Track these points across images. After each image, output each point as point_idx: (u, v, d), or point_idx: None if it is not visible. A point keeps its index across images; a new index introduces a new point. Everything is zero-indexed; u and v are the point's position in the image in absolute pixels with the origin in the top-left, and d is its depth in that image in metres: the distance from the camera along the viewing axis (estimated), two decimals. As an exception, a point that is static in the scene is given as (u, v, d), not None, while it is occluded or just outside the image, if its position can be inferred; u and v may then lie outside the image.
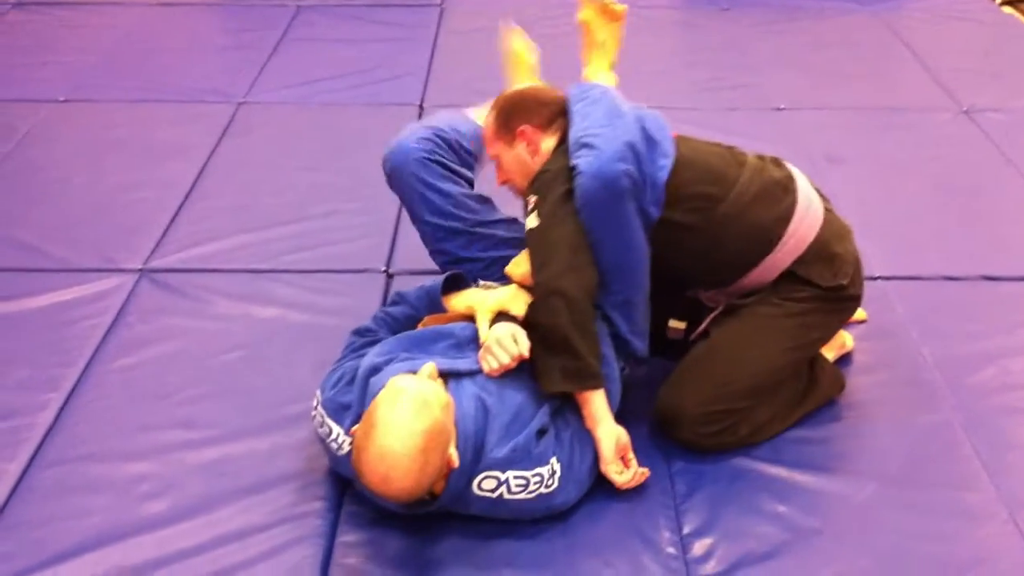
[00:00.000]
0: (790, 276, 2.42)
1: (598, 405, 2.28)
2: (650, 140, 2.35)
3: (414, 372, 2.14)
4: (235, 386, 2.62)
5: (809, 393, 2.52)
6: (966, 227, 3.35)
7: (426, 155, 2.56)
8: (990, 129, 3.98)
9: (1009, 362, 2.73)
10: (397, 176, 2.61)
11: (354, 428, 2.04)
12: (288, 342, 2.78)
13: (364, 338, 2.43)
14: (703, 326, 2.52)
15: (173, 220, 3.33)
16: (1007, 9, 5.29)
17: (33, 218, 3.34)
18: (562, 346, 2.22)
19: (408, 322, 2.46)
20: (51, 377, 2.63)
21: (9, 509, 2.26)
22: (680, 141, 2.44)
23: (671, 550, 2.18)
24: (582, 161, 2.27)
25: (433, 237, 2.61)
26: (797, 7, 5.20)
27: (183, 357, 2.73)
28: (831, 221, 2.48)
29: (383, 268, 3.08)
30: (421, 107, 4.14)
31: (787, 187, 2.44)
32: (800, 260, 2.41)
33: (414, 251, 3.15)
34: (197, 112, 4.08)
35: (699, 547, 2.19)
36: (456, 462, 2.04)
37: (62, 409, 2.54)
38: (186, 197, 3.47)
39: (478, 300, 2.37)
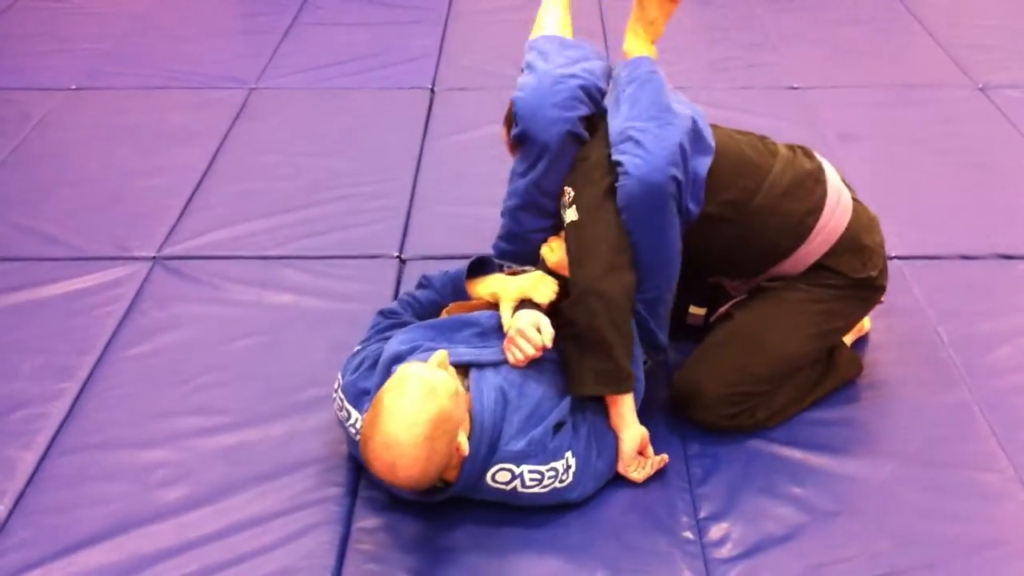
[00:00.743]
0: (819, 266, 2.41)
1: (626, 408, 2.27)
2: (696, 134, 2.31)
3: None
4: (250, 372, 2.62)
5: (826, 376, 2.51)
6: (982, 206, 3.33)
7: (572, 126, 2.36)
8: (1006, 106, 3.95)
9: (1025, 341, 2.72)
10: (533, 138, 2.38)
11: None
12: (302, 328, 2.78)
13: (389, 319, 2.43)
14: (724, 308, 2.51)
15: (186, 207, 3.33)
16: (1023, -16, 5.24)
17: (46, 206, 3.35)
18: (597, 347, 2.20)
19: (432, 307, 2.45)
20: (66, 366, 2.64)
21: (26, 497, 2.27)
22: (714, 129, 2.41)
23: (688, 534, 2.17)
24: (628, 161, 2.21)
25: (522, 202, 2.44)
26: (811, -17, 5.17)
27: (198, 344, 2.73)
28: (860, 212, 2.47)
29: (395, 254, 3.07)
30: (432, 91, 4.13)
31: (818, 178, 2.42)
32: (830, 252, 2.40)
33: (427, 236, 3.16)
34: (209, 98, 4.08)
35: (716, 531, 2.18)
36: (466, 450, 2.03)
37: (78, 397, 2.54)
38: (199, 183, 3.47)
39: (501, 287, 2.35)
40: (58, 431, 2.44)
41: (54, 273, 3.00)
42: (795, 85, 4.14)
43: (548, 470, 2.13)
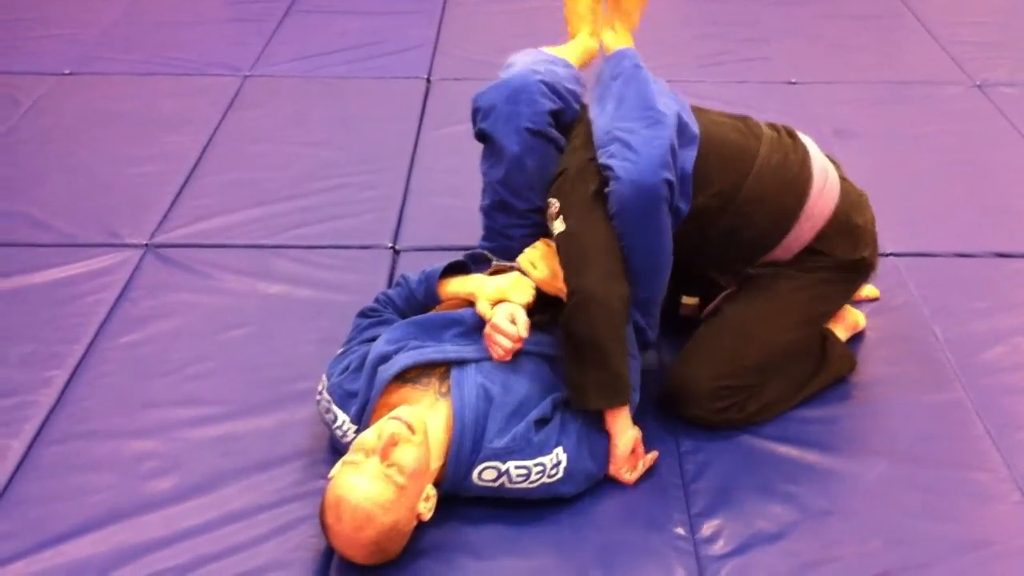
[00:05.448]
0: (810, 251, 2.39)
1: (623, 414, 2.24)
2: (682, 127, 2.26)
3: (423, 363, 2.16)
4: (241, 362, 2.61)
5: (819, 372, 2.50)
6: (978, 203, 3.32)
7: (532, 123, 2.37)
8: (1002, 103, 3.94)
9: (1021, 340, 2.71)
10: (491, 137, 2.42)
11: (332, 473, 2.02)
12: (294, 318, 2.76)
13: (369, 318, 2.42)
14: (715, 303, 2.50)
15: (178, 194, 3.31)
16: (1020, -19, 5.23)
17: (37, 192, 3.32)
18: (598, 358, 2.16)
19: (407, 304, 2.42)
20: (55, 353, 2.62)
21: (12, 487, 2.25)
22: (697, 115, 2.37)
23: (680, 531, 2.16)
24: (617, 165, 2.15)
25: (491, 201, 2.48)
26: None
27: (188, 333, 2.71)
28: (848, 191, 2.44)
29: (390, 244, 3.06)
30: (428, 80, 4.11)
31: (803, 161, 2.38)
32: (820, 235, 2.37)
33: (421, 227, 3.14)
34: (202, 85, 4.06)
35: (708, 528, 2.17)
36: (428, 515, 2.04)
37: (66, 386, 2.52)
38: (191, 171, 3.44)
39: (477, 286, 2.32)
40: (46, 420, 2.42)
41: (44, 260, 2.97)
42: (792, 80, 4.12)
43: (535, 465, 2.12)
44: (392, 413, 2.05)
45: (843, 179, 2.46)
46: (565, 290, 2.21)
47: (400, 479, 1.95)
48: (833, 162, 2.48)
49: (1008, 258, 3.04)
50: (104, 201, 3.27)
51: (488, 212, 2.50)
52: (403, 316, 2.40)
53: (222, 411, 2.45)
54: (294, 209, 3.25)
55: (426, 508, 2.03)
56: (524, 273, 2.34)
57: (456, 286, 2.36)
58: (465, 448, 2.08)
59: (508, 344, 2.18)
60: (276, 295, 2.86)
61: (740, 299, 2.44)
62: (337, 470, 2.00)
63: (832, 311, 2.52)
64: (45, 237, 3.08)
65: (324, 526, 1.96)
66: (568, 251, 2.21)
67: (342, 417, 2.18)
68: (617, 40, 2.50)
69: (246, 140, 3.67)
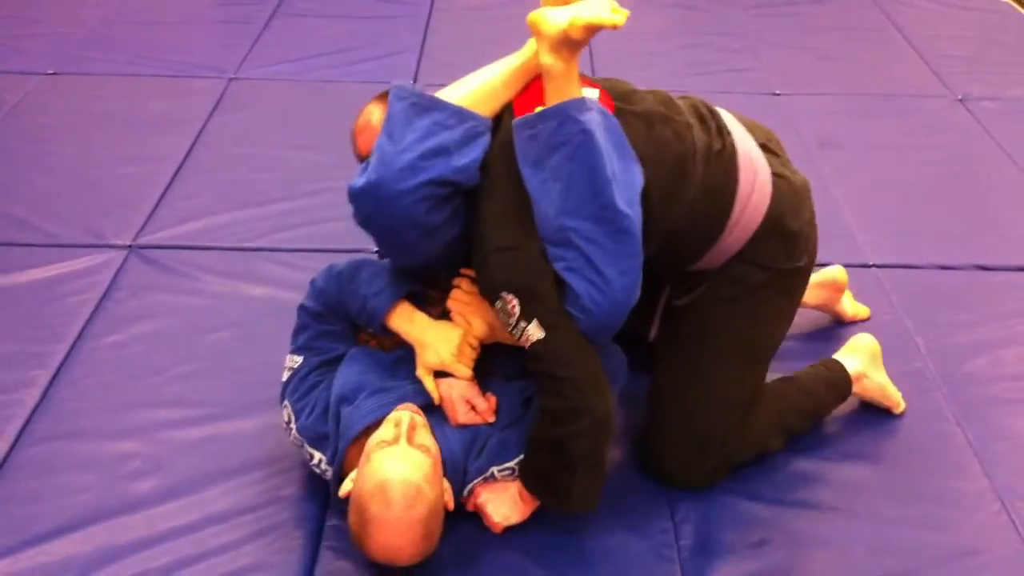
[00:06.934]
0: (739, 258, 2.15)
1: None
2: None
3: (392, 407, 2.09)
4: (225, 364, 2.60)
5: (811, 416, 2.43)
6: (959, 216, 3.34)
7: (421, 230, 2.00)
8: (984, 118, 3.98)
9: (1001, 352, 2.74)
10: (377, 239, 2.13)
11: (343, 491, 2.00)
12: (278, 321, 2.72)
13: (318, 325, 2.26)
14: (654, 331, 2.40)
15: (163, 196, 3.30)
16: (1003, -3, 5.28)
17: (20, 192, 3.30)
18: (598, 467, 2.08)
19: (348, 319, 2.28)
20: (38, 353, 2.61)
21: (-5, 486, 2.24)
22: (631, 138, 1.98)
23: (663, 536, 2.17)
24: (585, 293, 1.91)
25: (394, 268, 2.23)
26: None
27: (172, 334, 2.70)
28: (782, 192, 2.14)
29: (375, 248, 3.04)
30: (415, 84, 4.10)
31: (729, 171, 2.09)
32: (750, 242, 2.13)
33: (406, 231, 3.12)
34: (188, 87, 4.05)
35: (690, 533, 2.18)
36: (452, 503, 2.04)
37: (49, 386, 2.51)
38: (176, 173, 3.44)
39: (419, 343, 2.14)
40: (29, 420, 2.41)
41: (27, 259, 2.96)
42: (777, 91, 4.14)
43: (517, 464, 2.13)
44: (397, 408, 2.07)
45: (778, 175, 2.16)
46: (513, 340, 2.02)
47: (431, 455, 1.97)
48: (774, 152, 2.21)
49: (989, 271, 3.06)
50: (88, 201, 3.26)
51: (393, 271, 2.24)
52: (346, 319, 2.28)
53: (205, 413, 2.45)
54: (279, 212, 3.24)
55: (449, 497, 2.03)
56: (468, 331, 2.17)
57: (399, 323, 2.16)
58: (457, 479, 2.10)
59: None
60: (260, 297, 2.86)
61: (676, 350, 2.26)
62: (349, 483, 1.98)
63: (779, 332, 2.30)
64: (28, 237, 3.07)
65: (367, 522, 1.88)
66: (560, 364, 1.97)
67: (318, 456, 2.16)
68: (556, 65, 1.96)
69: (231, 142, 3.67)
